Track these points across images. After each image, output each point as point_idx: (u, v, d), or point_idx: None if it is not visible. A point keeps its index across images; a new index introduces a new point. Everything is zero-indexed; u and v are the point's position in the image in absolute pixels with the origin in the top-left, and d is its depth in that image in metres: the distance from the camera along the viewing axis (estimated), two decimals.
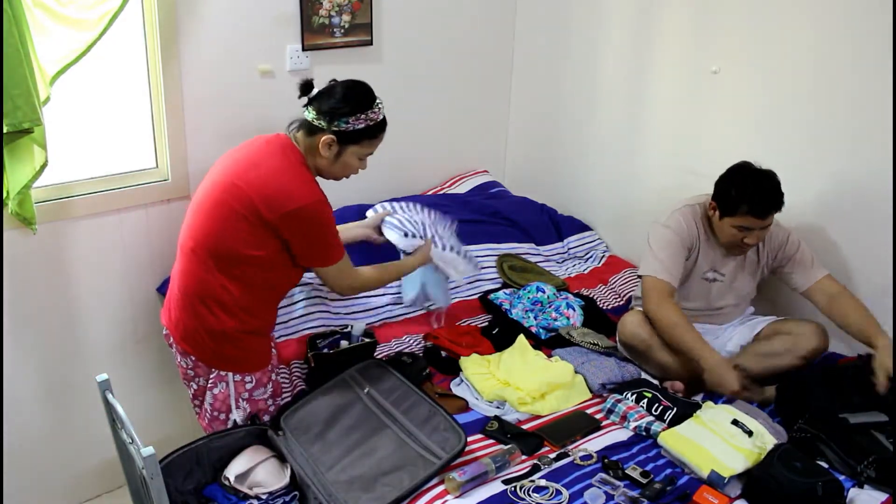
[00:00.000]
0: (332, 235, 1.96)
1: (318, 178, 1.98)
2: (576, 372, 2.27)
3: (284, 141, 1.94)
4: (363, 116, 1.89)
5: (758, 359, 2.25)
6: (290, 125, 1.99)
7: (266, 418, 2.05)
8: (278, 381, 2.11)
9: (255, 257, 1.87)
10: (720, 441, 1.88)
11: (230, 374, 1.95)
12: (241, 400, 1.99)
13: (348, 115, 1.87)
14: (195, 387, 2.05)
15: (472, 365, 2.24)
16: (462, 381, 2.23)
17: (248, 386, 1.99)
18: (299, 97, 1.93)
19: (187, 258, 1.93)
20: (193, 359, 1.97)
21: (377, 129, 1.95)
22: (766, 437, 1.89)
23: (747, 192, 2.17)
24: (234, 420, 2.00)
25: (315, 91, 1.92)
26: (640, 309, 2.44)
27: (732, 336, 2.43)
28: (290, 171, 1.88)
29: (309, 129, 1.92)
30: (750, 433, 1.90)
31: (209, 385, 1.99)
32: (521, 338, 2.38)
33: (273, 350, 2.12)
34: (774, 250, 2.37)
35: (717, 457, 1.83)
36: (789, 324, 2.33)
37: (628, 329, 2.32)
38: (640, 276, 2.35)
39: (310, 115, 1.91)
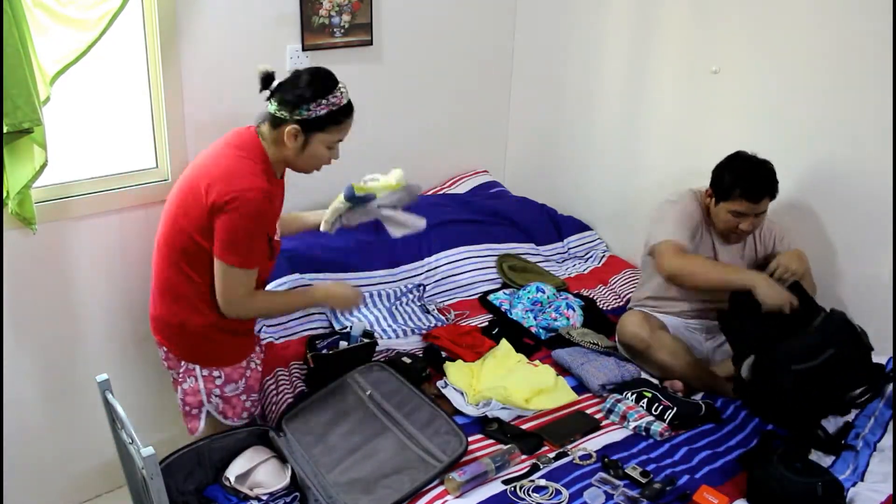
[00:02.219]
0: (253, 233, 1.85)
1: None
2: (575, 372, 2.28)
3: (245, 136, 1.91)
4: (324, 102, 1.83)
5: None
6: (258, 119, 1.94)
7: (245, 416, 2.06)
8: (255, 377, 2.09)
9: (206, 248, 1.85)
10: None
11: (198, 367, 1.96)
12: (212, 396, 1.98)
13: (310, 101, 1.82)
14: (172, 377, 2.06)
15: (455, 373, 2.21)
16: (447, 384, 2.18)
17: (218, 382, 1.98)
18: (260, 90, 1.89)
19: (157, 254, 1.96)
20: (165, 349, 1.99)
21: (341, 114, 1.88)
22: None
23: (741, 177, 2.21)
24: (207, 411, 2.01)
25: (276, 82, 1.87)
26: (639, 309, 2.44)
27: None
28: (239, 162, 1.84)
29: (273, 121, 1.88)
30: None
31: (179, 379, 2.00)
32: (504, 343, 2.37)
33: (258, 350, 2.12)
34: (772, 241, 2.40)
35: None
36: None
37: (627, 329, 2.32)
38: (649, 255, 2.34)
39: (272, 106, 1.87)
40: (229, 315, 1.90)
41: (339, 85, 1.88)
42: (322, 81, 1.86)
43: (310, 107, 1.83)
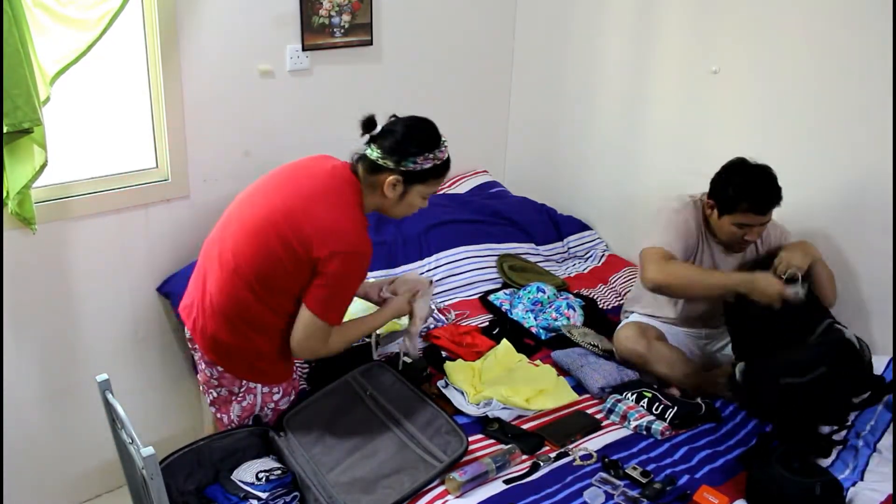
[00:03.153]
0: (351, 291, 1.86)
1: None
2: (575, 374, 2.28)
3: (348, 177, 1.86)
4: (431, 156, 1.81)
5: None
6: (353, 156, 1.89)
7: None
8: (297, 385, 2.11)
9: (291, 291, 1.81)
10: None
11: (259, 386, 1.94)
12: (266, 408, 1.99)
13: (416, 154, 1.80)
14: (215, 395, 1.99)
15: (456, 372, 2.20)
16: (448, 384, 2.18)
17: (276, 397, 1.99)
18: (361, 135, 1.84)
19: (228, 276, 1.83)
20: (220, 369, 1.92)
21: (443, 168, 1.87)
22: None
23: (746, 190, 2.14)
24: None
25: (378, 128, 1.84)
26: (633, 320, 2.39)
27: (726, 338, 2.40)
28: (348, 213, 1.81)
29: (372, 167, 1.83)
30: None
31: (238, 398, 1.95)
32: (505, 342, 2.36)
33: None
34: (773, 247, 2.33)
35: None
36: None
37: (623, 345, 2.28)
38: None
39: (373, 153, 1.81)
40: (296, 356, 1.91)
41: (443, 139, 1.86)
42: (428, 135, 1.84)
43: (416, 160, 1.80)
